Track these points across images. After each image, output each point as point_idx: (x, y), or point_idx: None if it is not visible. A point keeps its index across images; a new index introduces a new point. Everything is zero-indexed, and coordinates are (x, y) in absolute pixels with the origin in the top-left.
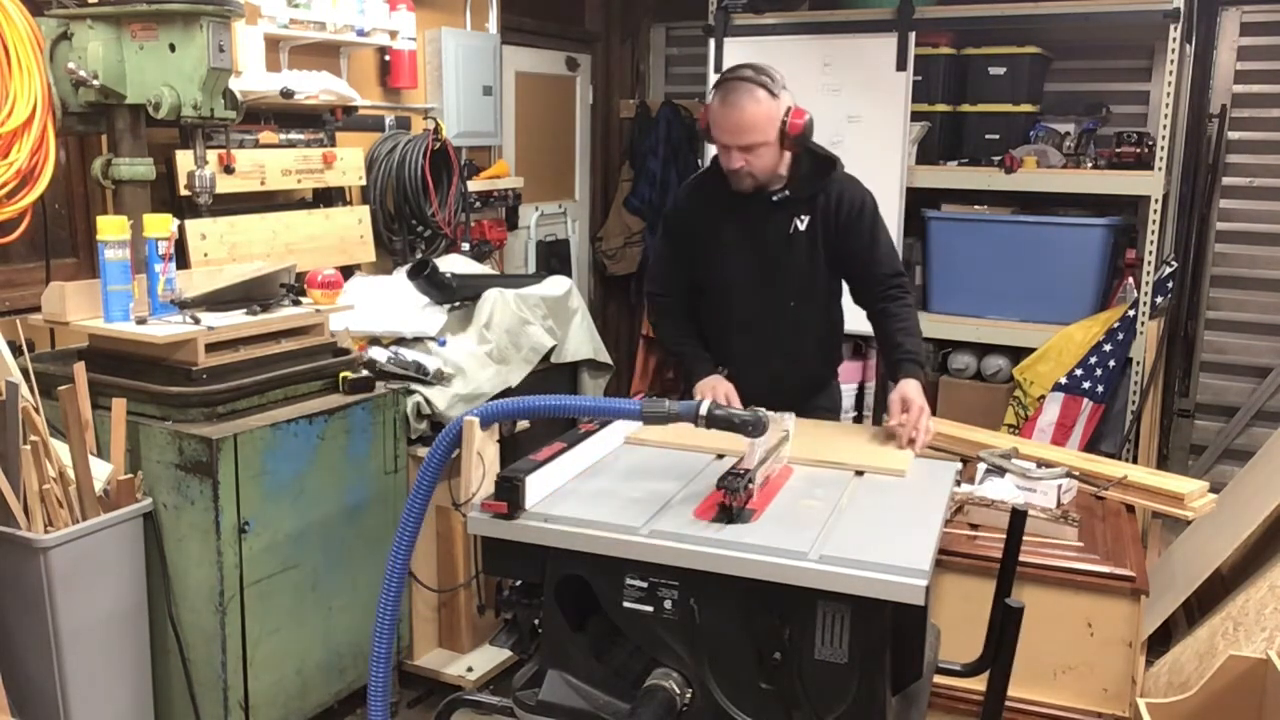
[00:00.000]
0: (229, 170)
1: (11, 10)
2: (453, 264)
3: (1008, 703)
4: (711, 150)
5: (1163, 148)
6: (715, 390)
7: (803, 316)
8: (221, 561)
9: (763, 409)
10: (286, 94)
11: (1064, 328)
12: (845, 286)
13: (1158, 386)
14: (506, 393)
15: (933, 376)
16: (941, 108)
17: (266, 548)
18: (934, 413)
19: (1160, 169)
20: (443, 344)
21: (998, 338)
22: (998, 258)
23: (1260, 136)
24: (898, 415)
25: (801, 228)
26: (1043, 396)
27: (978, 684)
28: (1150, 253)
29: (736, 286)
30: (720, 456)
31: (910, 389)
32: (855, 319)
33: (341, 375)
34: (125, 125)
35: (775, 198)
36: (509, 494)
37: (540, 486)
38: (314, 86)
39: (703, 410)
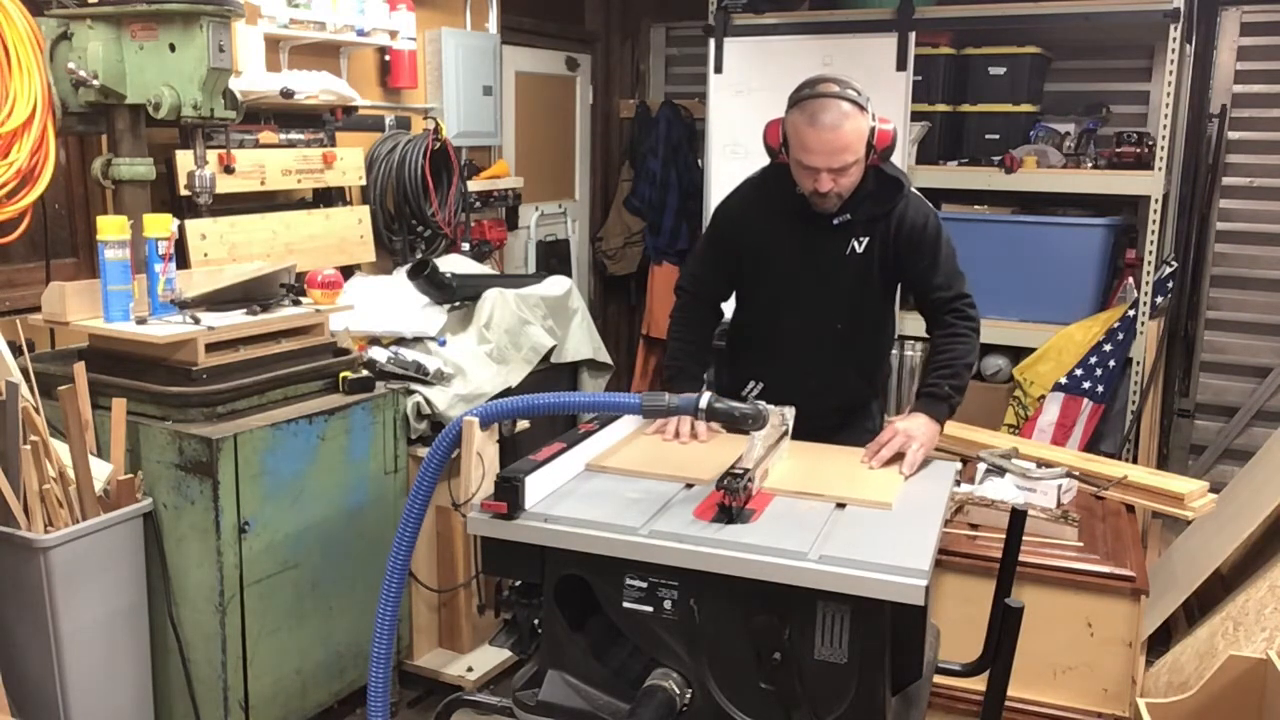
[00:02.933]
0: (229, 170)
1: (11, 10)
2: (453, 264)
3: (1008, 703)
4: (713, 152)
5: (1163, 148)
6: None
7: (849, 338)
8: (221, 561)
9: (762, 401)
10: (286, 94)
11: (1064, 328)
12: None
13: (1158, 386)
14: (506, 393)
15: None
16: (941, 108)
17: (266, 548)
18: None
19: (1160, 169)
20: (443, 344)
21: (998, 338)
22: (998, 258)
23: (1260, 136)
24: (881, 440)
25: (859, 249)
26: (1043, 396)
27: (978, 684)
28: (1150, 253)
29: (782, 304)
30: (689, 486)
31: (910, 421)
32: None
33: (341, 375)
34: (125, 125)
35: (836, 221)
36: (509, 494)
37: (540, 486)
38: (314, 86)
39: (702, 403)
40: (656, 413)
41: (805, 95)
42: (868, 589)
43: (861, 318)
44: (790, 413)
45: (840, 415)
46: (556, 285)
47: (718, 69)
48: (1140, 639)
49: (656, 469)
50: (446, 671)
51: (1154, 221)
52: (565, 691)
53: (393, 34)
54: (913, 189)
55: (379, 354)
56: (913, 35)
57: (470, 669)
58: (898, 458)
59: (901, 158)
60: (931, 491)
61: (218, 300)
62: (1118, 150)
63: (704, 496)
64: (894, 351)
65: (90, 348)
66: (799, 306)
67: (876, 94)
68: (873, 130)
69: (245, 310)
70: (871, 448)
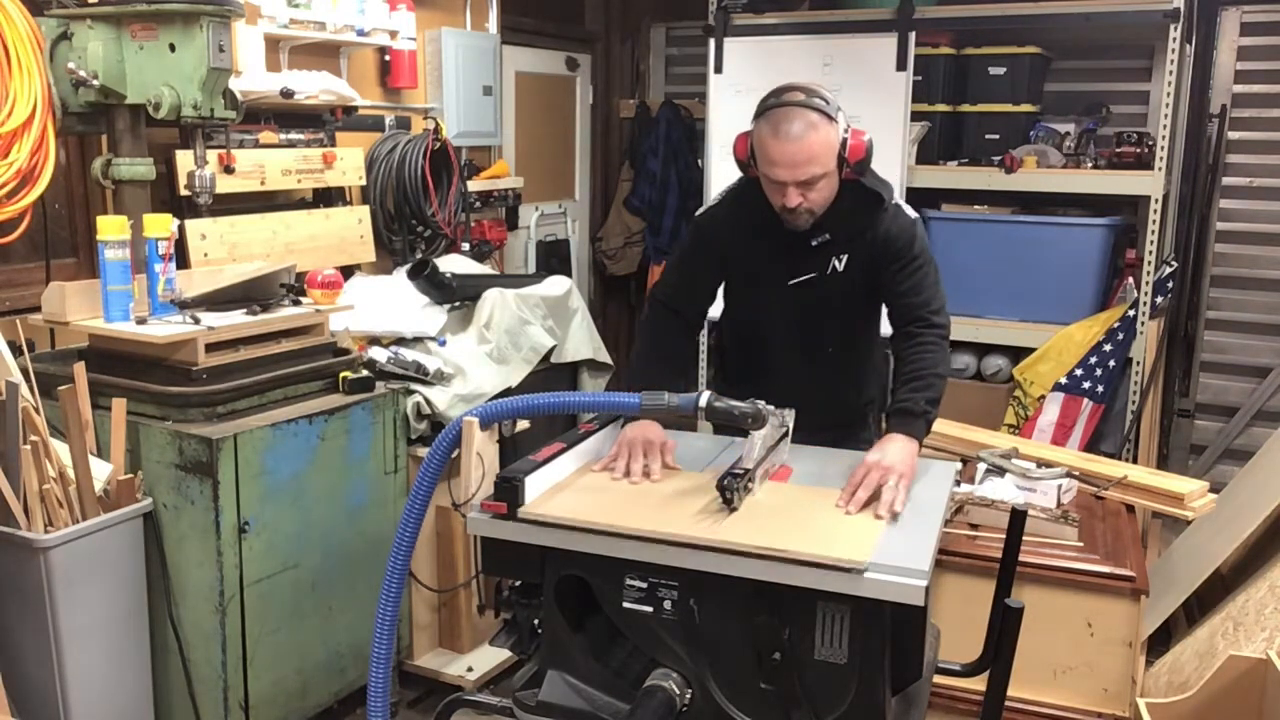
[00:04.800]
0: (229, 170)
1: (11, 10)
2: (453, 264)
3: (1008, 703)
4: (713, 152)
5: (1163, 148)
6: (635, 443)
7: (840, 358)
8: (221, 561)
9: (761, 401)
10: (286, 94)
11: (1064, 328)
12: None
13: (1158, 386)
14: (506, 393)
15: None
16: (941, 108)
17: (266, 548)
18: None
19: (1160, 169)
20: (443, 344)
21: (998, 338)
22: (998, 258)
23: (1260, 136)
24: (855, 480)
25: (840, 268)
26: (1043, 396)
27: (978, 684)
28: (1150, 253)
29: (769, 326)
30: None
31: (885, 450)
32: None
33: (341, 375)
34: (125, 125)
35: (814, 242)
36: (508, 494)
37: (540, 487)
38: (314, 86)
39: (702, 402)
40: (656, 412)
41: (770, 105)
42: (868, 589)
43: (852, 337)
44: (790, 414)
45: (837, 431)
46: (556, 285)
47: (718, 69)
48: (1140, 639)
49: (596, 518)
50: (446, 671)
51: (1154, 221)
52: (565, 691)
53: (393, 34)
54: (896, 200)
55: (379, 354)
56: (913, 35)
57: (470, 669)
58: (876, 495)
59: (901, 158)
60: (931, 492)
61: (218, 300)
62: (1118, 150)
63: None
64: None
65: (90, 348)
66: (786, 329)
67: (876, 94)
68: (844, 142)
69: (245, 310)
70: (846, 490)
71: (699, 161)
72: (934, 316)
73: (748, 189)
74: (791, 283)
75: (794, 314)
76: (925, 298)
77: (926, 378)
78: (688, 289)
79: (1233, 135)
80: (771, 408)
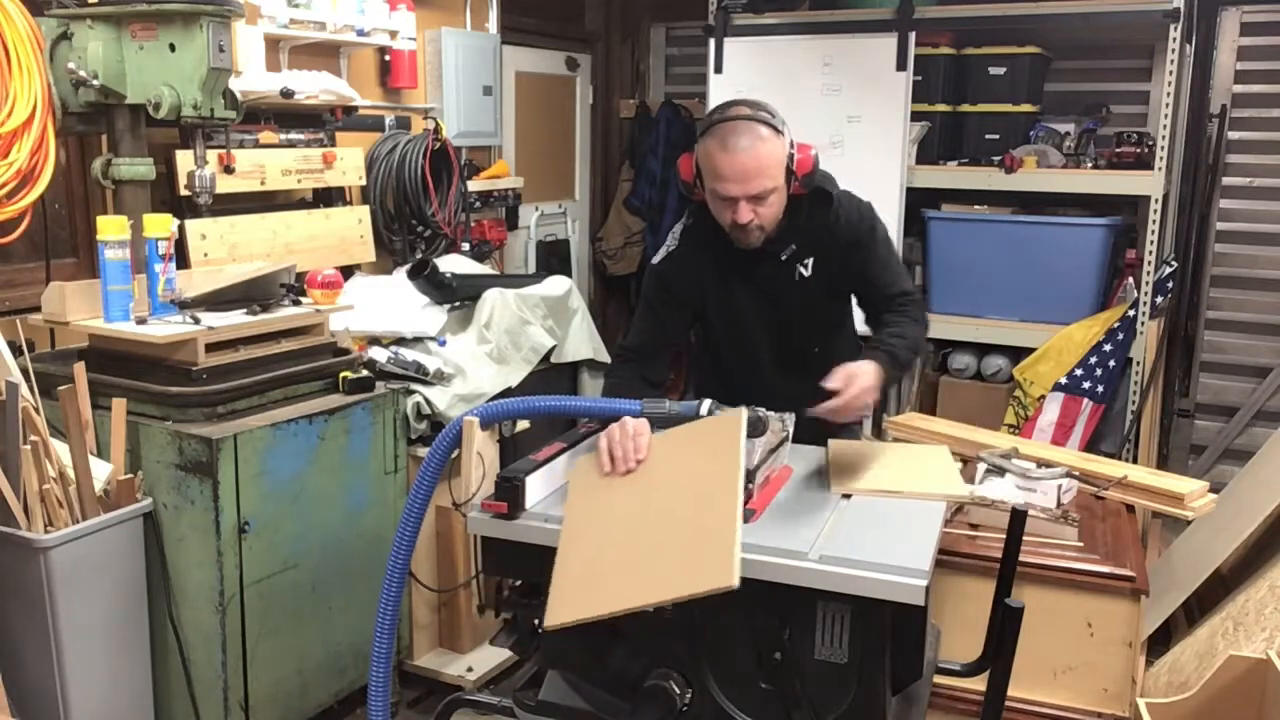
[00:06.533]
0: (229, 170)
1: (11, 10)
2: (453, 264)
3: (1008, 703)
4: None
5: (1163, 148)
6: (621, 429)
7: (828, 354)
8: (221, 561)
9: (762, 409)
10: (286, 94)
11: (1064, 328)
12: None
13: (1158, 386)
14: (506, 393)
15: (932, 376)
16: (941, 108)
17: (266, 548)
18: (934, 413)
19: (1160, 169)
20: (443, 344)
21: (998, 338)
22: (998, 258)
23: (1260, 136)
24: (837, 383)
25: (807, 273)
26: (1043, 396)
27: (978, 684)
28: (1150, 253)
29: (757, 351)
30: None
31: (862, 364)
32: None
33: (341, 375)
34: (125, 125)
35: (784, 255)
36: (509, 494)
37: (540, 486)
38: (314, 86)
39: (704, 410)
40: (658, 419)
41: (716, 120)
42: (868, 589)
43: (834, 331)
44: (790, 419)
45: (829, 425)
46: (556, 285)
47: (718, 69)
48: (1140, 639)
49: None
50: (446, 671)
51: (1154, 221)
52: (565, 691)
53: (393, 34)
54: (841, 189)
55: (379, 354)
56: (913, 35)
57: (470, 669)
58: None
59: (901, 158)
60: None
61: (218, 300)
62: (1118, 150)
63: None
64: None
65: (90, 348)
66: (773, 346)
67: (876, 94)
68: (791, 156)
69: (245, 310)
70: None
71: None
72: (916, 301)
73: (699, 221)
74: (767, 300)
75: (778, 331)
76: (901, 288)
77: (906, 340)
78: (660, 337)
79: (1233, 135)
80: (772, 413)
